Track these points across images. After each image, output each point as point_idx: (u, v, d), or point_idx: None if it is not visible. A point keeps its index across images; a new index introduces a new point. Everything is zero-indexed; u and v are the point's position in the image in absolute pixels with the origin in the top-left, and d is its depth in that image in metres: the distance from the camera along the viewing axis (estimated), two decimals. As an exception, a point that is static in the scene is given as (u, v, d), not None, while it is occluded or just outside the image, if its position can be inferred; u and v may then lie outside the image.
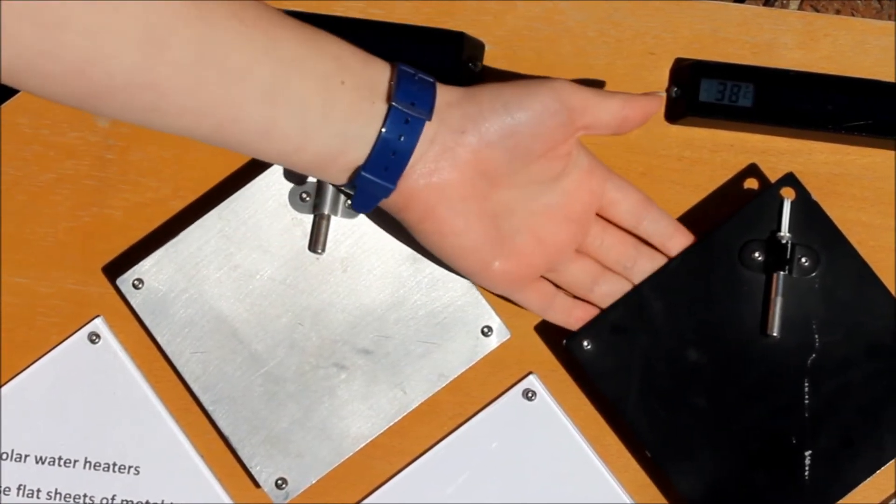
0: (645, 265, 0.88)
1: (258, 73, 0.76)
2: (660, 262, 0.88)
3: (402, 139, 0.79)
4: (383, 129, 0.79)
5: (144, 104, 0.75)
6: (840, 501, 0.86)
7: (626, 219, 0.88)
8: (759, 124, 0.91)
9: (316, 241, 0.90)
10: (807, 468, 0.87)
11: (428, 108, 0.80)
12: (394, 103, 0.79)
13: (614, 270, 0.88)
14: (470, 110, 0.81)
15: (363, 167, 0.79)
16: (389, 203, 0.82)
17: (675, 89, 0.92)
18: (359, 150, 0.79)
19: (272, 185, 0.90)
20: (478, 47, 0.93)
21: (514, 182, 0.83)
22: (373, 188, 0.80)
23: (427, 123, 0.80)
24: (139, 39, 0.72)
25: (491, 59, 0.93)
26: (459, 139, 0.81)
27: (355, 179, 0.80)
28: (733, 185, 0.92)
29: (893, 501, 0.88)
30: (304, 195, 0.90)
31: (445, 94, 0.81)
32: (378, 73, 0.80)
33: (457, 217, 0.82)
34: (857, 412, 0.87)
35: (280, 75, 0.76)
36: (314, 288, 0.90)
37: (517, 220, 0.85)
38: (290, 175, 0.90)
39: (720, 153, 0.92)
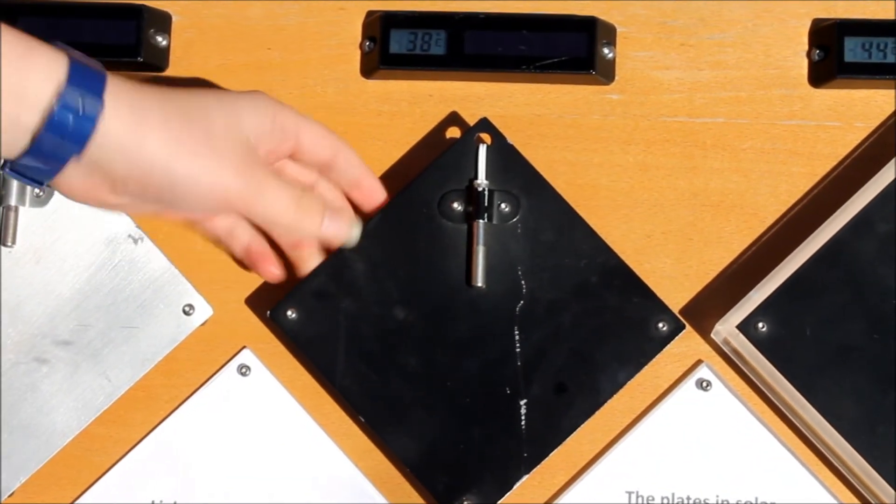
0: None
1: None
2: None
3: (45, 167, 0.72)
4: (25, 156, 0.71)
5: None
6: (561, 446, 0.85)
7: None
8: (455, 71, 0.88)
9: (6, 234, 0.87)
10: (523, 418, 0.85)
11: (81, 144, 0.71)
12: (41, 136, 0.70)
13: None
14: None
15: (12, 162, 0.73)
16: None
17: (368, 43, 0.90)
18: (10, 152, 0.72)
19: (-42, 181, 0.88)
20: (164, 19, 0.90)
21: None
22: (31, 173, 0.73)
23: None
24: None
25: (179, 30, 0.91)
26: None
27: (5, 167, 0.74)
28: (435, 136, 0.89)
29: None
30: (-11, 188, 0.88)
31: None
32: (37, 84, 0.70)
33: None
34: (570, 356, 0.85)
35: None
36: (8, 282, 0.87)
37: None
38: None
39: (419, 104, 0.89)
